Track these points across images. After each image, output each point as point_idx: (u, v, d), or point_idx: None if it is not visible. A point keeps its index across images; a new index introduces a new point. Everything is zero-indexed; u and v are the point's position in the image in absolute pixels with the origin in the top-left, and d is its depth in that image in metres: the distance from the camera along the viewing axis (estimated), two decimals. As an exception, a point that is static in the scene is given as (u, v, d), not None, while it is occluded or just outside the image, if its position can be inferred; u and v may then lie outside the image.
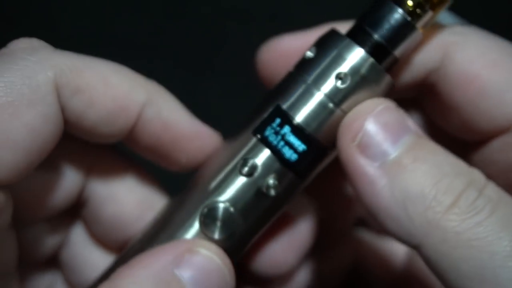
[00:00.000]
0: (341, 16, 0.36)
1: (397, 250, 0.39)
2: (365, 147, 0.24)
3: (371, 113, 0.25)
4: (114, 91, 0.27)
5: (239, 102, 0.52)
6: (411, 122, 0.25)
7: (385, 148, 0.24)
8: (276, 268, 0.32)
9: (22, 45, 0.29)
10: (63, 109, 0.27)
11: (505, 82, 0.26)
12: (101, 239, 0.34)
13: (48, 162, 0.30)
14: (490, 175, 0.25)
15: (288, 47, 0.32)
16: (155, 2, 0.56)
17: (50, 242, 0.33)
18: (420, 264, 0.31)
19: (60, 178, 0.31)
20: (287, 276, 0.33)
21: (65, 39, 0.55)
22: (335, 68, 0.26)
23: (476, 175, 0.24)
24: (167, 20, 0.56)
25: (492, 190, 0.23)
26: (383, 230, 0.25)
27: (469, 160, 0.29)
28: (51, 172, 0.31)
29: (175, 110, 0.29)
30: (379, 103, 0.25)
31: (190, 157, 0.29)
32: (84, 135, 0.29)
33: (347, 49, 0.26)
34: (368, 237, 0.40)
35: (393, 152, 0.24)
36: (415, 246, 0.24)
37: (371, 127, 0.24)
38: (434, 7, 0.26)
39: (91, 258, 0.34)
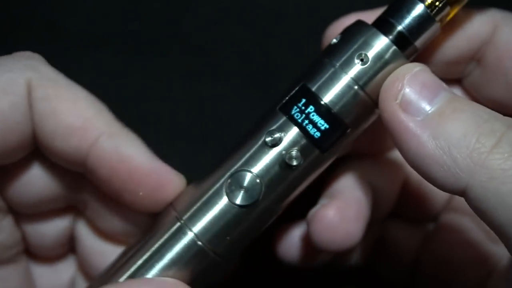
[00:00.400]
0: (339, 16, 0.36)
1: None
2: (406, 104, 0.26)
3: (409, 73, 0.27)
4: (78, 111, 0.29)
5: (239, 102, 0.52)
6: (444, 84, 0.27)
7: (425, 104, 0.26)
8: (350, 240, 0.33)
9: (22, 52, 0.31)
10: (30, 108, 0.29)
11: None
12: (105, 232, 0.34)
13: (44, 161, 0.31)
14: None
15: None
16: (156, 2, 0.57)
17: (55, 235, 0.34)
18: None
19: (55, 177, 0.32)
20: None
21: (65, 39, 0.55)
22: (361, 54, 0.28)
23: None
24: (167, 20, 0.56)
25: None
26: (430, 181, 0.26)
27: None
28: (48, 169, 0.32)
29: (134, 145, 0.30)
30: (416, 65, 0.27)
31: (146, 194, 0.30)
32: (42, 146, 0.30)
33: (373, 37, 0.28)
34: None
35: (432, 106, 0.26)
36: (462, 191, 0.25)
37: (411, 85, 0.26)
38: (452, 4, 0.29)
39: (102, 250, 0.34)
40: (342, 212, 0.32)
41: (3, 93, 0.28)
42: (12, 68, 0.29)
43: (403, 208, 0.38)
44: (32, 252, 0.34)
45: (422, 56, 0.32)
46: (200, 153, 0.50)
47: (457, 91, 0.35)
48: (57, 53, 0.57)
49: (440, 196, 0.37)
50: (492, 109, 0.32)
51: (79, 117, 0.29)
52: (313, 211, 0.33)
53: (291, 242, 0.36)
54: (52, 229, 0.34)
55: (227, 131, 0.50)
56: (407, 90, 0.26)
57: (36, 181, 0.31)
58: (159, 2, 0.55)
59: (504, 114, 0.28)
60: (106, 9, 0.55)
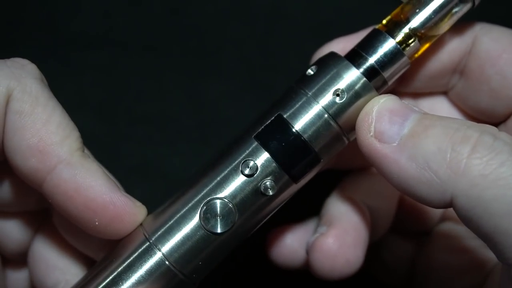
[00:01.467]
0: (340, 16, 0.36)
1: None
2: (380, 134, 0.27)
3: (376, 105, 0.28)
4: (44, 133, 0.29)
5: (239, 102, 0.52)
6: (414, 106, 0.28)
7: (396, 129, 0.27)
8: (350, 267, 0.33)
9: (16, 59, 0.31)
10: (4, 118, 0.29)
11: None
12: (69, 243, 0.34)
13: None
14: None
15: (339, 50, 0.33)
16: (156, 2, 0.57)
17: (19, 238, 0.34)
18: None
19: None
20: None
21: (66, 39, 0.55)
22: (333, 85, 0.30)
23: (487, 126, 0.26)
24: (167, 20, 0.56)
25: (506, 136, 0.25)
26: (418, 201, 0.26)
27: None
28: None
29: (92, 176, 0.29)
30: (382, 97, 0.28)
31: (103, 224, 0.30)
32: (5, 158, 0.31)
33: (345, 69, 0.30)
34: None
35: (404, 129, 0.27)
36: (449, 203, 0.25)
37: (380, 116, 0.27)
38: (421, 41, 0.30)
39: (56, 262, 0.34)
40: (340, 240, 0.33)
41: None
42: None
43: (401, 222, 0.38)
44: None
45: (407, 72, 0.32)
46: (200, 153, 0.50)
47: (444, 103, 0.36)
48: (57, 53, 0.57)
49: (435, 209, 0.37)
50: (479, 119, 0.32)
51: (43, 140, 0.29)
52: (312, 239, 0.34)
53: (284, 246, 0.36)
54: (17, 232, 0.34)
55: (227, 131, 0.50)
56: (377, 121, 0.27)
57: (11, 181, 0.32)
58: (159, 2, 0.55)
59: (491, 123, 0.28)
60: (107, 9, 0.55)
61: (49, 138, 0.29)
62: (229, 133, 0.52)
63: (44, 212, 0.34)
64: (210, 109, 0.52)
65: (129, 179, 0.37)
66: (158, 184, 0.49)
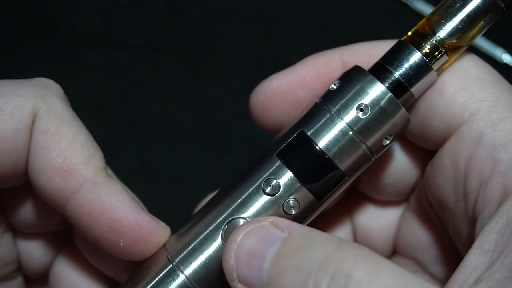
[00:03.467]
0: (339, 16, 0.36)
1: None
2: (244, 280, 0.25)
3: (234, 245, 0.26)
4: (69, 153, 0.29)
5: (239, 102, 0.52)
6: (279, 226, 0.26)
7: (256, 274, 0.25)
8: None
9: (41, 79, 0.31)
10: (30, 138, 0.29)
11: (460, 83, 0.28)
12: (91, 264, 0.34)
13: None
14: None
15: (277, 87, 0.33)
16: (156, 2, 0.57)
17: (41, 258, 0.34)
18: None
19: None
20: None
21: (66, 39, 0.55)
22: (357, 100, 0.28)
23: (344, 257, 0.23)
24: (167, 20, 0.56)
25: (362, 275, 0.23)
26: None
27: (426, 172, 0.31)
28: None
29: (118, 196, 0.29)
30: (238, 234, 0.26)
31: (127, 245, 0.29)
32: (29, 178, 0.30)
33: (369, 84, 0.28)
34: None
35: (264, 274, 0.25)
36: None
37: (238, 261, 0.26)
38: (449, 52, 0.29)
39: (78, 283, 0.34)
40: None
41: (9, 118, 0.28)
42: (23, 93, 0.29)
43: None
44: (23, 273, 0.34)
45: None
46: (200, 153, 0.50)
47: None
48: (57, 53, 0.57)
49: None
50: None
51: (67, 160, 0.29)
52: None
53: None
54: (39, 252, 0.34)
55: (227, 131, 0.50)
56: (238, 267, 0.26)
57: (34, 202, 0.32)
58: (159, 2, 0.55)
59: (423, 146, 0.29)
60: (107, 9, 0.55)
61: (74, 158, 0.29)
62: (229, 133, 0.52)
63: (66, 233, 0.34)
64: (210, 109, 0.52)
65: (129, 179, 0.37)
66: (158, 184, 0.49)
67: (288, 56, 0.53)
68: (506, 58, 0.58)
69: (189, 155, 0.50)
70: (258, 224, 0.27)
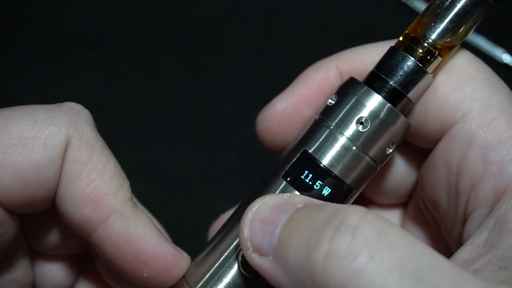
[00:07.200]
0: (339, 16, 0.36)
1: None
2: (257, 248, 0.26)
3: (248, 216, 0.26)
4: (99, 183, 0.29)
5: (239, 102, 0.52)
6: (296, 199, 0.26)
7: (268, 240, 0.25)
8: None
9: (71, 105, 0.31)
10: (61, 166, 0.29)
11: (453, 83, 0.28)
12: (112, 285, 0.34)
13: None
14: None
15: (283, 110, 0.33)
16: (156, 2, 0.57)
17: (62, 280, 0.34)
18: None
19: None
20: None
21: (66, 39, 0.55)
22: (356, 114, 0.28)
23: (352, 210, 0.23)
24: (167, 20, 0.56)
25: (370, 225, 0.22)
26: None
27: (420, 173, 0.31)
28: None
29: (144, 227, 0.29)
30: (254, 205, 0.27)
31: (151, 276, 0.30)
32: (56, 205, 0.30)
33: (366, 95, 0.28)
34: None
35: (275, 238, 0.25)
36: None
37: (252, 229, 0.26)
38: (442, 53, 0.28)
39: None
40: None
41: (43, 147, 0.28)
42: (56, 121, 0.29)
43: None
44: None
45: None
46: (200, 153, 0.50)
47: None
48: (58, 53, 0.57)
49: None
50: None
51: (97, 190, 0.29)
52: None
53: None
54: (59, 274, 0.34)
55: (227, 131, 0.50)
56: (252, 235, 0.26)
57: (57, 226, 0.32)
58: (159, 2, 0.55)
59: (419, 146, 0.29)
60: (107, 9, 0.55)
61: (103, 188, 0.29)
62: (229, 133, 0.52)
63: (86, 255, 0.34)
64: (210, 109, 0.52)
65: (129, 179, 0.37)
66: (158, 184, 0.49)
67: (288, 56, 0.53)
68: (506, 58, 0.58)
69: (189, 155, 0.50)
70: (275, 195, 0.27)
